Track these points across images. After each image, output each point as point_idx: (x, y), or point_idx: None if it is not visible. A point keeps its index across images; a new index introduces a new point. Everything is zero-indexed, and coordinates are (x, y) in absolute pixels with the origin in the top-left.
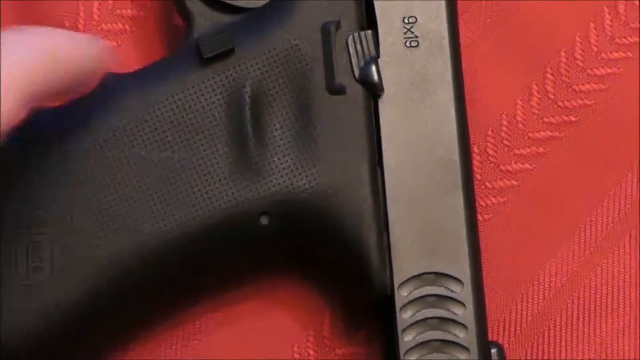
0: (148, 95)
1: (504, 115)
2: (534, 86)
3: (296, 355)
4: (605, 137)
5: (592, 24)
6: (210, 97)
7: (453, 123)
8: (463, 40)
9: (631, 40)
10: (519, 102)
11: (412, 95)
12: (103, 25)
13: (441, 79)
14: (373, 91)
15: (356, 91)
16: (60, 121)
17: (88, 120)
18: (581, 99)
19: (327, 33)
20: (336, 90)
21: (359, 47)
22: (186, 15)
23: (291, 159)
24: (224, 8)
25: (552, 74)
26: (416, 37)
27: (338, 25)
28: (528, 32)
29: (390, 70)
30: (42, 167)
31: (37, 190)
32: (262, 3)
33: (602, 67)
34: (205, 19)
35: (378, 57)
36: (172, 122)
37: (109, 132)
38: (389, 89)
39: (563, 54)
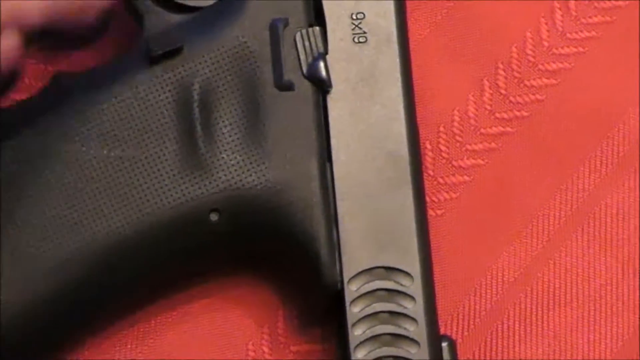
0: (97, 93)
1: (455, 111)
2: (486, 82)
3: (251, 353)
4: (557, 131)
5: (543, 20)
6: (159, 95)
7: (402, 119)
8: (414, 36)
9: (582, 35)
10: (471, 97)
11: (361, 91)
12: None
13: (390, 74)
14: (321, 87)
15: (305, 87)
16: (8, 119)
17: (37, 118)
18: (533, 94)
19: (275, 30)
20: (285, 86)
21: (307, 43)
22: (136, 15)
23: (240, 156)
24: (174, 7)
25: (503, 70)
26: (364, 33)
27: (286, 23)
28: (479, 27)
29: (339, 66)
30: None
31: None
32: (211, 2)
33: (554, 62)
34: (156, 18)
35: (326, 53)
36: (121, 120)
37: (57, 130)
38: (338, 85)
39: (514, 49)
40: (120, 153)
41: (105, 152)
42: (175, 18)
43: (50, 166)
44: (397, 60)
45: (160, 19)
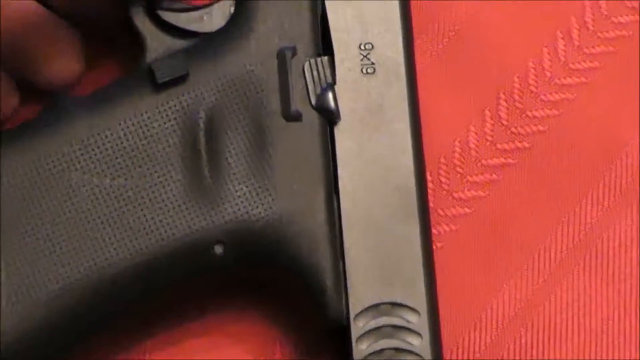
0: (99, 119)
1: (456, 142)
2: (487, 112)
3: None
4: (558, 163)
5: (545, 49)
6: (164, 123)
7: (409, 151)
8: (416, 65)
9: (585, 65)
10: (472, 128)
11: (369, 123)
12: None
13: (397, 107)
14: (329, 118)
15: (312, 118)
16: (8, 144)
17: (37, 143)
18: (534, 125)
19: (283, 59)
20: (292, 116)
21: (315, 73)
22: (138, 39)
23: (246, 187)
24: (178, 32)
25: (505, 100)
26: (372, 64)
27: (294, 51)
28: (481, 57)
29: (347, 97)
30: None
31: None
32: (216, 27)
33: (556, 93)
34: (159, 43)
35: (334, 83)
36: (124, 148)
37: (58, 157)
38: (345, 116)
39: (516, 79)
40: (123, 182)
41: (107, 180)
42: (179, 43)
43: (51, 194)
44: (405, 92)
45: (163, 44)
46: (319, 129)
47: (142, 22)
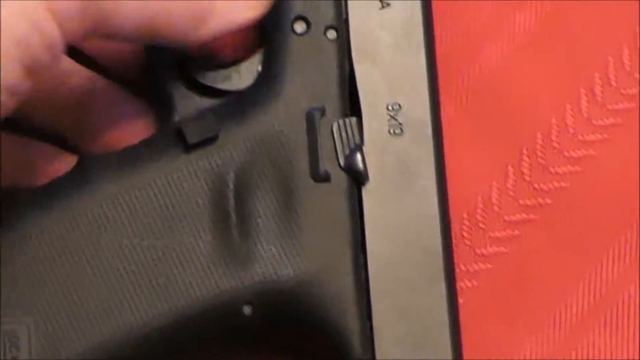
0: (129, 180)
1: (479, 198)
2: (510, 168)
3: None
4: (580, 220)
5: (568, 106)
6: (194, 184)
7: (436, 212)
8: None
9: (607, 122)
10: (495, 184)
11: (396, 183)
12: None
13: (424, 167)
14: (358, 179)
15: (341, 179)
16: (38, 204)
17: (66, 204)
18: (557, 181)
19: (311, 120)
20: (321, 177)
21: (344, 134)
22: (166, 97)
23: (275, 248)
24: (206, 90)
25: (528, 156)
26: (400, 124)
27: (323, 112)
28: (504, 113)
29: (374, 158)
30: (17, 256)
31: (15, 279)
32: (244, 86)
33: (578, 149)
34: (186, 101)
35: (363, 144)
36: (154, 208)
37: (87, 217)
38: (373, 177)
39: (539, 135)
40: (152, 242)
41: (137, 240)
42: (207, 102)
43: (80, 254)
44: (432, 153)
45: (191, 102)
46: (347, 189)
47: (169, 79)
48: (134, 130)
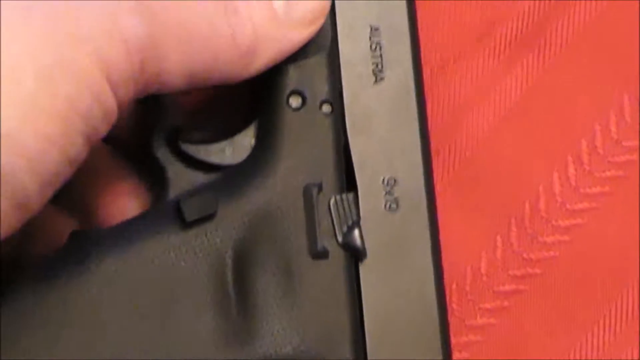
0: (125, 258)
1: (468, 268)
2: (499, 238)
3: None
4: (570, 289)
5: (556, 174)
6: (192, 262)
7: (433, 290)
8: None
9: (595, 190)
10: (484, 254)
11: (392, 259)
12: None
13: (420, 241)
14: (356, 255)
15: (339, 255)
16: (34, 282)
17: (62, 281)
18: (546, 251)
19: (309, 196)
20: (319, 254)
21: (341, 210)
22: (159, 172)
23: (275, 326)
24: (201, 165)
25: (516, 226)
26: (396, 199)
27: (320, 187)
28: (492, 182)
29: (371, 234)
30: (12, 335)
31: (8, 358)
32: (238, 160)
33: (567, 219)
34: (180, 176)
35: (360, 220)
36: (152, 287)
37: (84, 295)
38: (370, 253)
39: (527, 204)
40: (151, 321)
41: (136, 319)
42: (201, 176)
43: (79, 333)
44: (427, 226)
45: (185, 177)
46: (345, 265)
47: (163, 153)
48: (129, 199)
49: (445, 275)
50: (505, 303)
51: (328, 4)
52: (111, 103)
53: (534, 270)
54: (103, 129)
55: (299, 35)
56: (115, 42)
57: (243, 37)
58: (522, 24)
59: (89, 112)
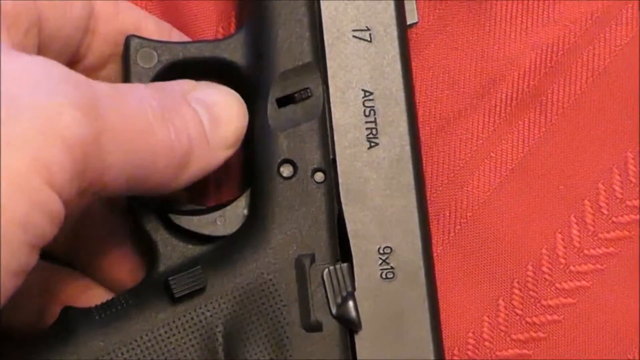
0: (113, 336)
1: (470, 334)
2: (501, 302)
3: None
4: (574, 353)
5: (559, 235)
6: (182, 338)
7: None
8: None
9: (600, 251)
10: (486, 319)
11: (389, 329)
12: None
13: (418, 312)
14: (350, 327)
15: (333, 327)
16: (23, 356)
17: (50, 357)
18: (550, 314)
19: (301, 268)
20: (312, 327)
21: (335, 282)
22: (150, 245)
23: None
24: (191, 237)
25: (519, 289)
26: (392, 268)
27: (312, 259)
28: (494, 245)
29: (367, 304)
30: None
31: None
32: (230, 231)
33: (571, 281)
34: (171, 249)
35: (354, 290)
36: None
37: None
38: (366, 324)
39: (530, 267)
40: None
41: None
42: (192, 248)
43: None
44: (425, 296)
45: (176, 250)
46: (340, 338)
47: (153, 227)
48: (124, 263)
49: (446, 342)
50: None
51: (245, 127)
52: (56, 206)
53: (538, 334)
54: (51, 230)
55: (223, 154)
56: (55, 141)
57: (180, 144)
58: (523, 81)
59: (30, 220)
